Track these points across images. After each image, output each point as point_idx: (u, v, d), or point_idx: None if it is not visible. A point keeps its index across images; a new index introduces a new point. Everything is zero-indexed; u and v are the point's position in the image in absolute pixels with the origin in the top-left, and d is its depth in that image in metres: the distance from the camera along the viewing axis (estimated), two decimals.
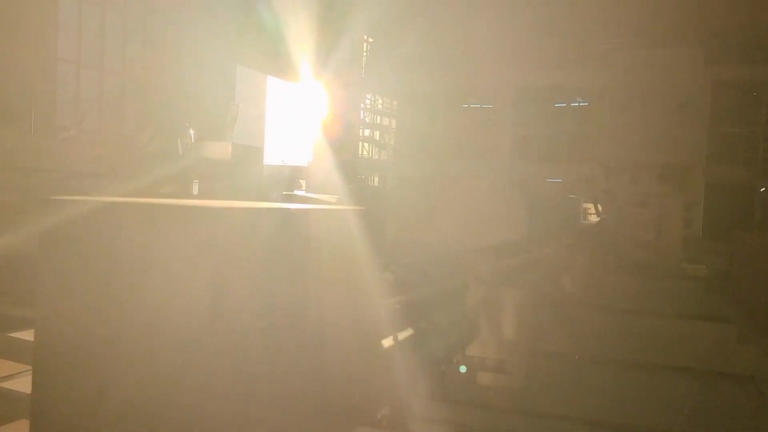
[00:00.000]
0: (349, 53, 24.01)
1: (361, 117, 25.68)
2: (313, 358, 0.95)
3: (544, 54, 20.97)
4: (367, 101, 25.42)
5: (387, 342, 1.33)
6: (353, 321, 1.06)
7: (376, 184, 25.83)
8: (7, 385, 2.29)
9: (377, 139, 25.92)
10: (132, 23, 14.38)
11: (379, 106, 26.06)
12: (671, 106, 4.36)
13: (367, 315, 1.11)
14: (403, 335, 1.41)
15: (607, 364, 2.71)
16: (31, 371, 1.25)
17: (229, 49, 17.70)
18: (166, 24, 15.22)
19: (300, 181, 6.80)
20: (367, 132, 25.47)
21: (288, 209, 0.83)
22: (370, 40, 26.91)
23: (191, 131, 5.30)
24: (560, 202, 4.01)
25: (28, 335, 2.39)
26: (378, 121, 25.96)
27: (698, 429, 1.80)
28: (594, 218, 4.66)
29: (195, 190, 5.32)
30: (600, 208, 4.59)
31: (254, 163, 5.46)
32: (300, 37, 20.59)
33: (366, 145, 25.58)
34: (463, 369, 1.68)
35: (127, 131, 6.00)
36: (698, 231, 16.71)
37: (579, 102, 20.48)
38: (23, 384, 2.00)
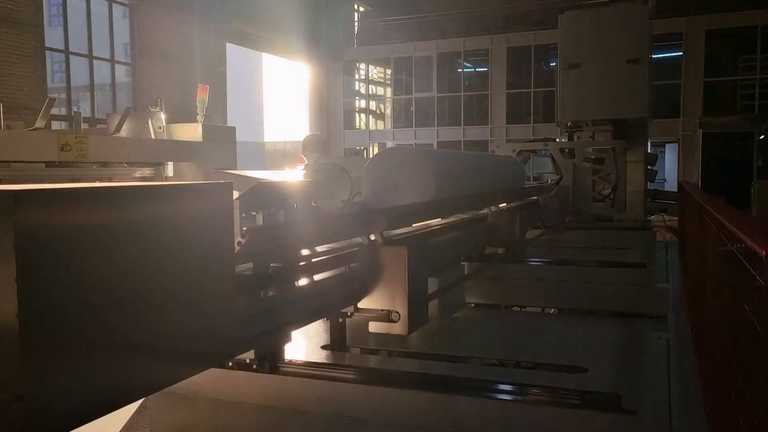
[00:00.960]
0: (341, 23, 23.97)
1: (356, 88, 25.63)
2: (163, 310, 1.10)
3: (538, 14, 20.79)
4: (362, 71, 25.34)
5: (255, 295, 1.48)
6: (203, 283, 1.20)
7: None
8: None
9: (373, 109, 25.90)
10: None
11: (374, 76, 25.97)
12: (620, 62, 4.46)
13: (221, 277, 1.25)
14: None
15: (524, 312, 2.86)
16: None
17: (216, 29, 17.82)
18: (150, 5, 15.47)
19: (300, 155, 6.96)
20: (362, 103, 25.45)
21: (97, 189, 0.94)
22: (362, 9, 26.71)
23: (162, 114, 5.44)
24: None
25: None
26: (373, 91, 25.90)
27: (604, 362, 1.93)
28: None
29: (170, 172, 5.47)
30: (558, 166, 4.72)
31: (226, 142, 5.60)
32: (291, 10, 20.60)
33: (362, 116, 25.58)
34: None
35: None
36: (697, 181, 16.72)
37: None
38: None
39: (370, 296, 1.75)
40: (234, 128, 5.86)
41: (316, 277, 1.76)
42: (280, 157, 39.62)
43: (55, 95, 8.13)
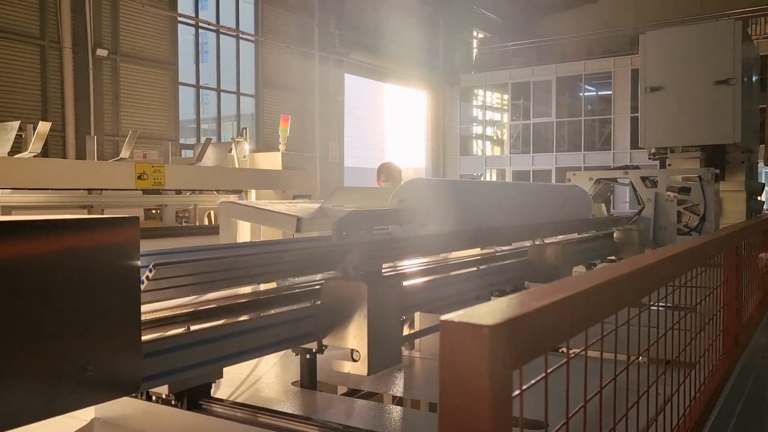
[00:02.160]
0: (458, 50, 24.09)
1: (473, 114, 25.51)
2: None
3: None
4: (479, 97, 25.21)
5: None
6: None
7: (494, 179, 25.49)
8: None
9: (490, 135, 25.62)
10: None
11: (491, 102, 25.72)
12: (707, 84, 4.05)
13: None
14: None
15: None
16: None
17: (335, 61, 18.58)
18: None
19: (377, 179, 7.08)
20: (479, 129, 25.27)
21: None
22: (480, 35, 26.67)
23: (246, 144, 5.74)
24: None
25: None
26: (490, 117, 25.64)
27: None
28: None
29: (253, 198, 5.73)
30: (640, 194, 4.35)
31: (306, 170, 5.78)
32: (408, 39, 21.04)
33: (479, 142, 25.38)
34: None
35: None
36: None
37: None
38: None
39: (335, 333, 1.71)
40: (315, 156, 6.04)
41: (274, 311, 1.75)
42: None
43: (135, 130, 8.97)
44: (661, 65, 4.47)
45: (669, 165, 4.90)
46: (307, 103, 18.27)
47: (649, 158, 4.88)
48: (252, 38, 16.86)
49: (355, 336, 1.69)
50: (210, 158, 5.33)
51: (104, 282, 1.24)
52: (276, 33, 17.19)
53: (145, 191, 5.14)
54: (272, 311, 1.75)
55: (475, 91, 24.96)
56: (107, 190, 4.63)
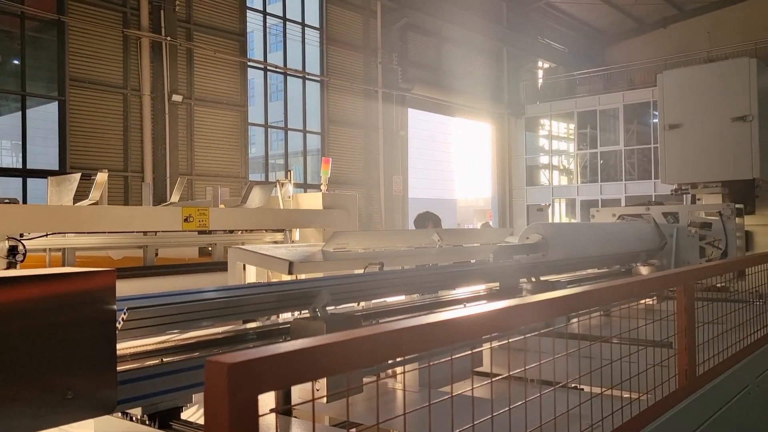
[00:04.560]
0: (523, 81, 24.14)
1: (539, 144, 25.36)
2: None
3: None
4: (545, 127, 25.06)
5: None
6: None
7: (562, 209, 25.16)
8: None
9: (556, 165, 25.33)
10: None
11: (558, 131, 25.50)
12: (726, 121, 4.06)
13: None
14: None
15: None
16: None
17: (397, 97, 19.09)
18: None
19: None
20: (545, 159, 25.05)
21: None
22: (546, 65, 26.61)
23: (290, 185, 6.15)
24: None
25: None
26: (556, 146, 25.40)
27: None
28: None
29: (297, 236, 6.11)
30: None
31: (347, 209, 6.12)
32: (472, 72, 21.34)
33: (545, 171, 25.14)
34: None
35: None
36: None
37: None
38: None
39: None
40: (355, 196, 6.36)
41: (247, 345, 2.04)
42: (471, 212, 40.14)
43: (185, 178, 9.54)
44: (679, 103, 4.55)
45: (699, 200, 4.92)
46: (372, 139, 18.81)
47: (671, 194, 4.92)
48: (317, 78, 17.63)
49: None
50: (256, 199, 5.76)
51: (83, 322, 1.56)
52: (340, 72, 17.90)
53: (200, 231, 5.62)
54: (245, 345, 2.04)
55: (541, 120, 24.84)
56: (161, 231, 5.12)
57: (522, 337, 1.60)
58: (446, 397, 1.25)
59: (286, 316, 2.37)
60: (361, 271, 2.91)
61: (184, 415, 1.91)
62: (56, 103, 12.52)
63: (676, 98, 4.58)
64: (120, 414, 1.82)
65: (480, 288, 3.22)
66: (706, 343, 2.51)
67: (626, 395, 1.93)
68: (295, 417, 2.00)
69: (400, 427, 1.19)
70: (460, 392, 1.34)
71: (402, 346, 1.05)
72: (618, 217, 4.86)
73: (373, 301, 2.64)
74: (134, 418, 1.83)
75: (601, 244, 4.04)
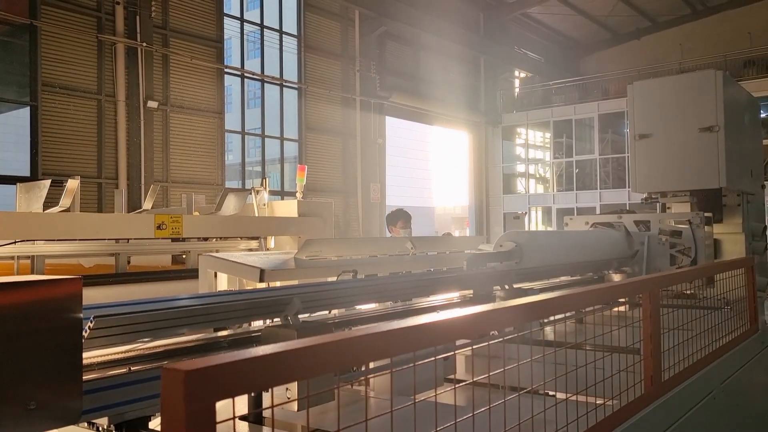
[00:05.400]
0: (499, 90, 24.38)
1: (516, 152, 25.59)
2: None
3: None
4: (522, 136, 25.31)
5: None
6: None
7: (539, 217, 25.39)
8: None
9: (533, 173, 25.58)
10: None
11: (534, 140, 25.76)
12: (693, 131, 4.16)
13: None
14: None
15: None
16: None
17: (375, 105, 19.15)
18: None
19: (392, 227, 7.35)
20: (521, 167, 25.29)
21: None
22: (522, 74, 26.89)
23: (265, 193, 6.13)
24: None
25: None
26: (533, 155, 25.65)
27: None
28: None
29: (272, 244, 6.09)
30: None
31: (322, 217, 6.12)
32: (448, 82, 21.49)
33: (522, 180, 25.36)
34: None
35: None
36: None
37: None
38: None
39: None
40: (331, 203, 6.36)
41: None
42: (449, 220, 40.31)
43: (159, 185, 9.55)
44: (648, 113, 4.64)
45: (668, 208, 5.00)
46: (349, 146, 18.83)
47: (642, 202, 5.00)
48: (295, 86, 17.61)
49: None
50: (230, 206, 5.73)
51: (47, 331, 1.53)
52: (318, 80, 17.91)
53: (174, 239, 5.57)
54: (215, 353, 2.03)
55: (518, 129, 25.09)
56: (133, 239, 5.07)
57: (486, 344, 1.62)
58: (409, 403, 1.26)
59: (258, 324, 2.36)
60: (335, 278, 2.91)
61: (151, 425, 1.89)
62: (28, 108, 12.33)
63: (646, 109, 4.67)
64: (86, 424, 1.80)
65: (454, 295, 3.24)
66: (673, 349, 2.55)
67: (593, 400, 1.95)
68: (265, 426, 1.99)
69: None
70: (424, 398, 1.35)
71: (361, 352, 1.06)
72: (591, 225, 4.92)
73: (347, 310, 2.64)
74: (100, 429, 1.81)
75: (575, 252, 4.09)
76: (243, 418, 2.01)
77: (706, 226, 4.53)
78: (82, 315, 1.63)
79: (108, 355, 1.82)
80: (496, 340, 1.70)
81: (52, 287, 1.61)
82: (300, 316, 2.22)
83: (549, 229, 23.37)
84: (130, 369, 1.83)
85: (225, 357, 0.87)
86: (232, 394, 0.86)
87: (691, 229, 4.48)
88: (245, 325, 2.36)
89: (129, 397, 1.77)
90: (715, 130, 4.33)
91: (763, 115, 19.47)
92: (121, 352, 1.86)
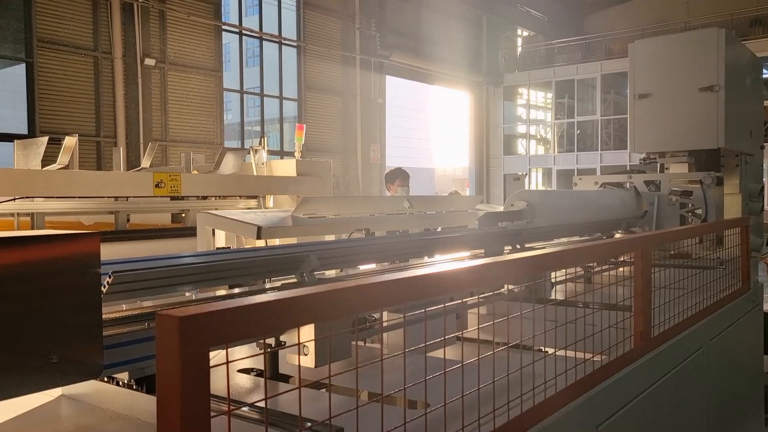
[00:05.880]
0: (502, 49, 24.04)
1: (517, 113, 25.41)
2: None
3: None
4: (523, 96, 25.09)
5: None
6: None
7: (539, 178, 25.37)
8: None
9: (534, 134, 25.44)
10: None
11: (536, 101, 25.54)
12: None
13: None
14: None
15: None
16: None
17: (376, 64, 18.91)
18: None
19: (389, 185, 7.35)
20: (523, 128, 25.14)
21: None
22: (525, 33, 26.50)
23: (264, 152, 6.12)
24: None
25: None
26: (534, 116, 25.46)
27: None
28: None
29: (270, 203, 6.11)
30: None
31: (321, 176, 6.12)
32: (450, 41, 21.17)
33: (523, 141, 25.25)
34: None
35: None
36: None
37: None
38: None
39: (290, 330, 1.81)
40: (329, 163, 6.35)
41: None
42: (449, 181, 40.26)
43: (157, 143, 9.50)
44: (649, 73, 4.59)
45: (667, 169, 5.00)
46: (349, 106, 18.69)
47: (640, 163, 5.00)
48: (294, 44, 17.37)
49: (305, 333, 1.87)
50: (229, 165, 5.73)
51: (68, 287, 1.45)
52: (317, 38, 17.66)
53: (173, 198, 5.59)
54: None
55: (519, 90, 24.85)
56: (132, 197, 5.09)
57: (475, 298, 1.65)
58: (399, 353, 1.30)
59: (274, 282, 2.36)
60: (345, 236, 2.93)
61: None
62: (23, 65, 12.20)
63: (647, 68, 4.62)
64: (107, 378, 1.84)
65: (465, 255, 3.25)
66: (665, 306, 2.60)
67: (582, 356, 2.00)
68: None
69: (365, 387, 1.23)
70: (414, 349, 1.39)
71: (353, 301, 1.09)
72: (600, 185, 4.90)
73: (361, 268, 2.62)
74: (121, 383, 1.84)
75: (586, 212, 4.07)
76: (260, 374, 2.02)
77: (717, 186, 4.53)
78: (101, 270, 1.60)
79: (126, 310, 1.85)
80: (485, 295, 1.73)
81: (72, 243, 1.53)
82: (315, 273, 2.23)
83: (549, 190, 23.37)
84: (148, 325, 1.86)
85: (218, 305, 0.90)
86: (224, 341, 0.89)
87: (702, 189, 4.47)
88: (261, 283, 2.35)
89: (149, 352, 1.79)
90: (716, 90, 4.30)
91: (766, 75, 19.30)
92: (140, 308, 1.88)
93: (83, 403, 1.89)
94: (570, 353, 1.94)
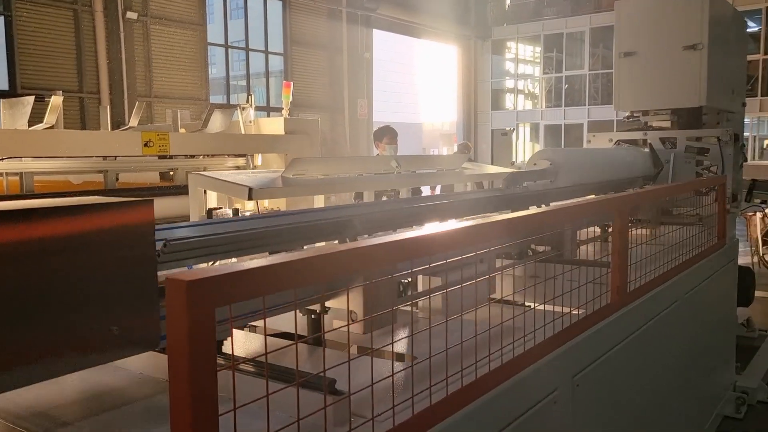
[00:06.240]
0: (490, 1, 23.69)
1: (505, 68, 25.23)
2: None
3: None
4: (511, 50, 24.87)
5: None
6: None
7: (527, 134, 25.41)
8: None
9: (522, 89, 25.32)
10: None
11: (524, 55, 25.33)
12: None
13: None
14: None
15: None
16: None
17: (362, 17, 18.60)
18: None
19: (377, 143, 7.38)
20: (510, 83, 25.01)
21: None
22: None
23: (251, 110, 6.11)
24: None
25: None
26: (522, 71, 25.30)
27: None
28: None
29: (259, 161, 6.14)
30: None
31: (309, 134, 6.14)
32: None
33: (511, 96, 25.16)
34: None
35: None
36: None
37: None
38: None
39: (337, 296, 1.83)
40: (317, 120, 6.36)
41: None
42: (437, 136, 40.08)
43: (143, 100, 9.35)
44: (634, 31, 4.62)
45: (650, 126, 5.08)
46: (336, 61, 18.46)
47: (624, 120, 5.07)
48: None
49: (353, 299, 1.83)
50: (216, 123, 5.73)
51: (125, 257, 1.41)
52: None
53: (161, 156, 5.59)
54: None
55: (508, 44, 24.62)
56: (120, 156, 5.10)
57: (459, 257, 1.74)
58: (386, 310, 1.38)
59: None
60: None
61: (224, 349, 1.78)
62: (2, 19, 11.91)
63: (632, 26, 4.65)
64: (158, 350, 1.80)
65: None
66: (642, 262, 2.71)
67: (560, 309, 2.11)
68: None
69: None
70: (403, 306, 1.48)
71: (355, 262, 1.17)
72: (615, 142, 4.93)
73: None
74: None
75: (606, 171, 4.06)
76: (301, 337, 1.90)
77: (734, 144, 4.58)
78: (155, 238, 1.56)
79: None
80: (469, 255, 1.82)
81: (127, 211, 1.44)
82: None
83: (537, 146, 23.45)
84: None
85: (224, 268, 0.98)
86: (230, 302, 0.97)
87: (719, 146, 4.55)
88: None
89: None
90: (699, 48, 4.34)
91: (752, 29, 19.24)
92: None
93: (138, 374, 1.81)
94: (549, 308, 2.05)
